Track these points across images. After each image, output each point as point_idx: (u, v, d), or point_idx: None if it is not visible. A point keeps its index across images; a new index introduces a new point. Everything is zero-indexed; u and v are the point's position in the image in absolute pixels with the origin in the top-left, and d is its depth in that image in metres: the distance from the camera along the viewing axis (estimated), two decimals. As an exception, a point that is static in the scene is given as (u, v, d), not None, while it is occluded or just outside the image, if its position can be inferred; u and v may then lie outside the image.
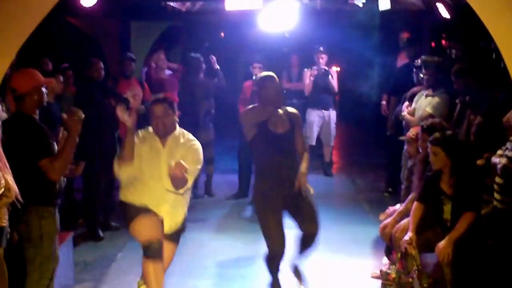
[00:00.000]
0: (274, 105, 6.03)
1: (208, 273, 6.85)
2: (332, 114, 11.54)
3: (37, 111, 5.07)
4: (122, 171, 5.37)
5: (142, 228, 5.29)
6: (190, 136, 5.64)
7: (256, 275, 6.79)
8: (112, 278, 6.71)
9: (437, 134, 5.87)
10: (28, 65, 5.80)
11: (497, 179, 5.64)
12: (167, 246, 5.47)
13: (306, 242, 6.18)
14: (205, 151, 10.57)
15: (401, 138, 7.26)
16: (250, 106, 6.39)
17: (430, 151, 5.82)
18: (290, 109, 6.26)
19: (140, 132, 5.57)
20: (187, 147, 5.51)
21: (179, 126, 5.65)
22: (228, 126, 14.21)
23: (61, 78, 7.87)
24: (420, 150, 6.53)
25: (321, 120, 11.49)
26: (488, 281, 5.72)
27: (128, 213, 5.41)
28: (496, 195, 5.67)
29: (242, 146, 9.59)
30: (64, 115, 5.07)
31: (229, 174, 11.68)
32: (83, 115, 5.02)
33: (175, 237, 5.68)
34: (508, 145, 5.63)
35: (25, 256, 4.94)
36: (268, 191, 6.01)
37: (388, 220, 6.58)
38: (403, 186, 8.12)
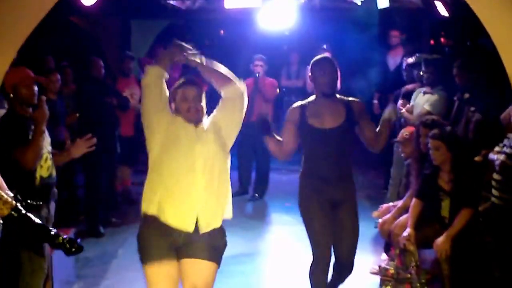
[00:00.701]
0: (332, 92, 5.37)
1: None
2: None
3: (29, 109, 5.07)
4: None
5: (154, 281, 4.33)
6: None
7: (255, 272, 6.85)
8: (113, 274, 6.74)
9: (438, 129, 5.92)
10: (30, 64, 5.82)
11: (495, 176, 5.68)
12: (203, 266, 4.36)
13: (339, 272, 5.57)
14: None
15: (395, 140, 7.28)
16: (298, 103, 5.51)
17: (432, 146, 5.85)
18: (350, 98, 5.47)
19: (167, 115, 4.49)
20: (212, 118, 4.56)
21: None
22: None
23: (58, 76, 7.91)
24: (418, 148, 6.57)
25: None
26: (486, 277, 5.77)
27: (142, 248, 4.40)
28: (494, 192, 5.71)
29: (242, 142, 9.60)
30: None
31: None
32: (47, 112, 4.95)
33: (213, 255, 4.40)
34: (505, 142, 5.68)
35: (13, 252, 4.91)
36: (313, 194, 5.34)
37: (387, 216, 6.63)
38: (391, 182, 8.19)
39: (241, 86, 4.55)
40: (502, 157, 5.56)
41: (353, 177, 5.46)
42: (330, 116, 5.30)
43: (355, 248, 5.43)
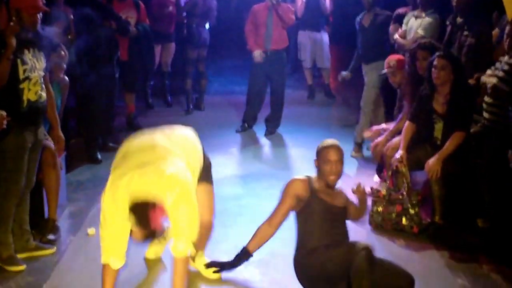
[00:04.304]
0: None
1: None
2: (324, 36, 11.49)
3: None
4: None
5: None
6: (174, 187, 4.07)
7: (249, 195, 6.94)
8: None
9: (445, 50, 5.97)
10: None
11: (487, 99, 5.71)
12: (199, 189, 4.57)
13: None
14: (198, 65, 10.73)
15: (383, 72, 7.25)
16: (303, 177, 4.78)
17: (438, 65, 5.85)
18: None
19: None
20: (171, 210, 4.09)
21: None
22: (223, 46, 14.24)
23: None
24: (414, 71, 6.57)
25: (313, 43, 11.45)
26: (475, 198, 5.85)
27: None
28: (485, 114, 5.75)
29: (255, 73, 9.36)
30: None
31: (223, 95, 11.78)
32: (13, 45, 4.83)
33: (205, 176, 4.71)
34: (498, 65, 5.68)
35: None
36: None
37: (380, 139, 6.68)
38: (362, 108, 8.17)
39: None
40: (494, 80, 5.56)
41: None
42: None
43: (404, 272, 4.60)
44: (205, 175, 4.61)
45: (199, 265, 5.00)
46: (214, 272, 4.86)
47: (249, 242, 4.75)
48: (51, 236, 5.64)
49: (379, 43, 8.24)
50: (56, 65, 6.32)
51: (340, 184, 4.75)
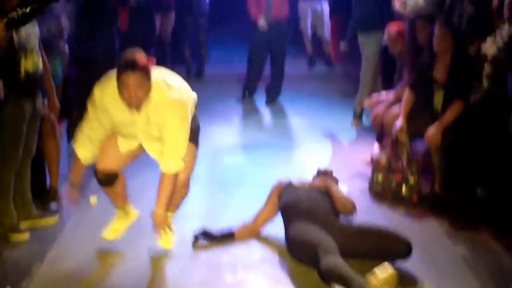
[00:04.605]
0: None
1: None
2: (325, 6, 11.45)
3: None
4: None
5: (102, 154, 4.71)
6: (172, 92, 4.42)
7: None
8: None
9: (445, 19, 5.96)
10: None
11: (487, 68, 5.70)
12: None
13: None
14: (198, 34, 10.70)
15: (384, 44, 7.28)
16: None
17: (438, 33, 5.85)
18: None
19: (101, 95, 4.53)
20: (163, 119, 4.40)
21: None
22: (224, 15, 14.19)
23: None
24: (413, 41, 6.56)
25: (314, 13, 11.42)
26: (475, 168, 5.87)
27: None
28: (485, 83, 5.74)
29: (256, 42, 9.34)
30: None
31: (223, 64, 11.77)
32: None
33: (191, 138, 4.59)
34: (498, 33, 5.67)
35: None
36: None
37: (380, 108, 6.69)
38: (362, 79, 8.17)
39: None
40: (494, 49, 5.56)
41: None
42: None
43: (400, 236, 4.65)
44: (192, 136, 4.60)
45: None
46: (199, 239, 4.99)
47: (237, 229, 5.07)
48: (53, 205, 5.68)
49: (378, 12, 8.21)
50: (57, 36, 6.30)
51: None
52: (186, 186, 4.80)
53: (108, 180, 4.75)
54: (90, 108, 4.56)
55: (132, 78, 4.20)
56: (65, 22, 6.54)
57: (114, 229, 5.01)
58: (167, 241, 4.88)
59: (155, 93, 4.35)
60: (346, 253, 4.41)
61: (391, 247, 4.52)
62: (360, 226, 4.73)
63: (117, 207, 4.99)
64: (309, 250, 4.44)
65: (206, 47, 10.86)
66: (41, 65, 5.12)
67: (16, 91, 4.92)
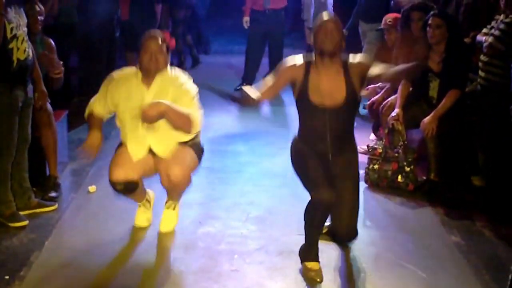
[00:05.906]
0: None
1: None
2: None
3: None
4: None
5: (113, 166, 4.85)
6: (183, 78, 4.91)
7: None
8: (107, 154, 6.79)
9: (440, 9, 5.99)
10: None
11: (482, 57, 5.73)
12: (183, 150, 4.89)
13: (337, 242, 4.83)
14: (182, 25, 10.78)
15: (378, 28, 7.34)
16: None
17: (433, 23, 5.86)
18: (351, 61, 4.60)
19: (117, 75, 4.95)
20: (179, 90, 4.80)
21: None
22: (223, 5, 14.19)
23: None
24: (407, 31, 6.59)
25: (318, 2, 11.40)
26: (470, 156, 5.92)
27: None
28: (480, 73, 5.77)
29: (254, 31, 9.43)
30: None
31: (222, 54, 11.78)
32: None
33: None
34: (493, 23, 5.70)
35: None
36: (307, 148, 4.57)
37: (376, 97, 6.73)
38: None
39: (195, 129, 4.82)
40: (490, 38, 5.59)
41: (356, 148, 4.90)
42: (330, 93, 4.51)
43: (355, 226, 4.66)
44: (195, 149, 4.97)
45: (167, 215, 5.12)
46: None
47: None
48: (52, 194, 5.70)
49: (384, 4, 8.25)
50: (32, 19, 6.08)
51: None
52: (188, 180, 4.86)
53: (127, 189, 4.82)
54: (103, 86, 4.96)
55: (153, 43, 4.76)
56: (39, 6, 6.31)
57: (145, 218, 5.14)
58: (168, 225, 5.05)
59: (168, 72, 4.87)
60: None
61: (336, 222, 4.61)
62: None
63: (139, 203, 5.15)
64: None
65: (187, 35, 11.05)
66: (31, 53, 5.13)
67: (9, 80, 4.93)
